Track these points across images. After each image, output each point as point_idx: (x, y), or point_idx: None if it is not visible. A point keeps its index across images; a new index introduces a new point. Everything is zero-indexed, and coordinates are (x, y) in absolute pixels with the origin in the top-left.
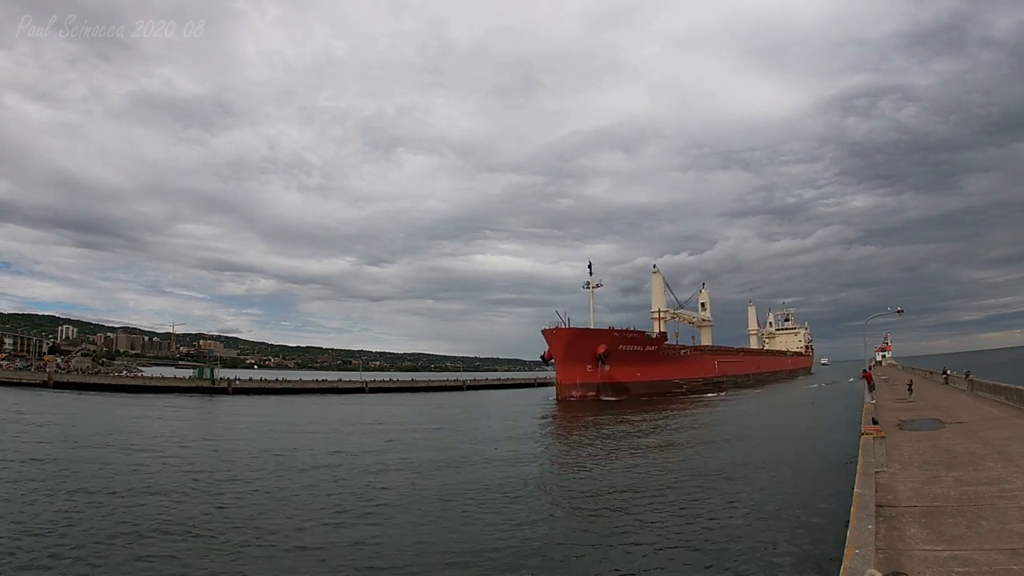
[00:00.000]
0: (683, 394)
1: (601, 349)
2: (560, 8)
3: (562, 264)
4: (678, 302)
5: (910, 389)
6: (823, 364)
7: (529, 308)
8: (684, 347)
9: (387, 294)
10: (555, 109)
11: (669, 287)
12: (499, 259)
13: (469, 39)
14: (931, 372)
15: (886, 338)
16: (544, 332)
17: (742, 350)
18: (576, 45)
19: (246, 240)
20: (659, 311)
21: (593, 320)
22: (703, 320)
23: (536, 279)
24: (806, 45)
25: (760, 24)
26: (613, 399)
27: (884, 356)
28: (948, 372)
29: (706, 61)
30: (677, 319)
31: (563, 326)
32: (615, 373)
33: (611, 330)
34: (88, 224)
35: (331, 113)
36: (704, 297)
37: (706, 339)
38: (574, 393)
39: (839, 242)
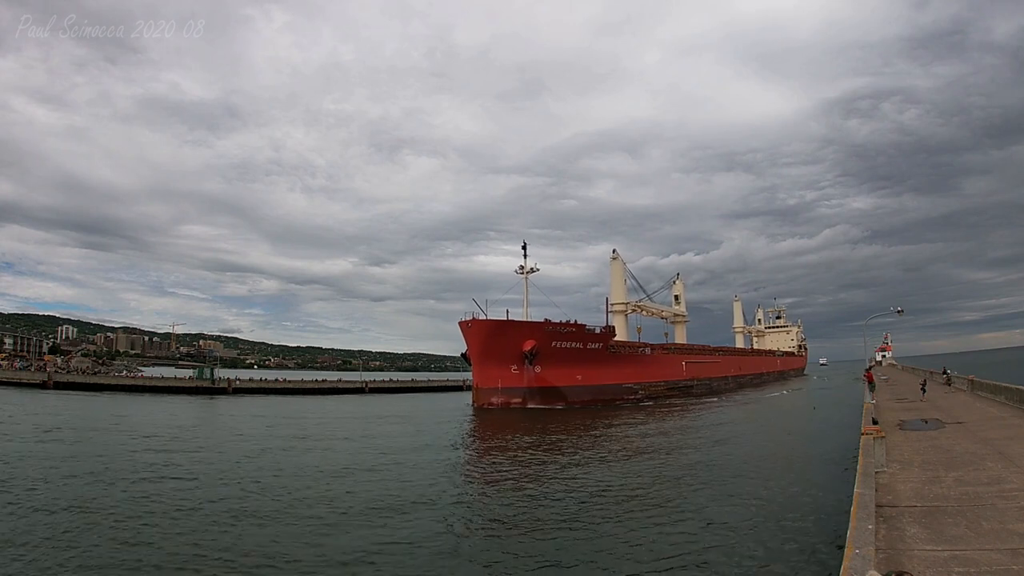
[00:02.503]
0: (637, 401)
1: (528, 346)
2: (564, 16)
3: (564, 265)
4: (646, 293)
5: (923, 389)
6: (821, 364)
7: (531, 308)
8: (643, 344)
9: (389, 294)
10: (559, 112)
11: (633, 276)
12: (501, 260)
13: (474, 44)
14: (931, 372)
15: (886, 338)
16: (460, 325)
17: (719, 349)
18: (580, 51)
19: (249, 241)
20: (608, 301)
21: (527, 313)
22: (676, 315)
23: (538, 280)
24: (807, 50)
25: (761, 31)
26: (545, 407)
27: (884, 356)
28: (948, 372)
29: (708, 67)
30: (641, 312)
31: (481, 317)
32: (548, 375)
33: (545, 322)
34: (92, 225)
35: (337, 116)
36: (678, 289)
37: (680, 337)
38: (494, 400)
39: (845, 241)
